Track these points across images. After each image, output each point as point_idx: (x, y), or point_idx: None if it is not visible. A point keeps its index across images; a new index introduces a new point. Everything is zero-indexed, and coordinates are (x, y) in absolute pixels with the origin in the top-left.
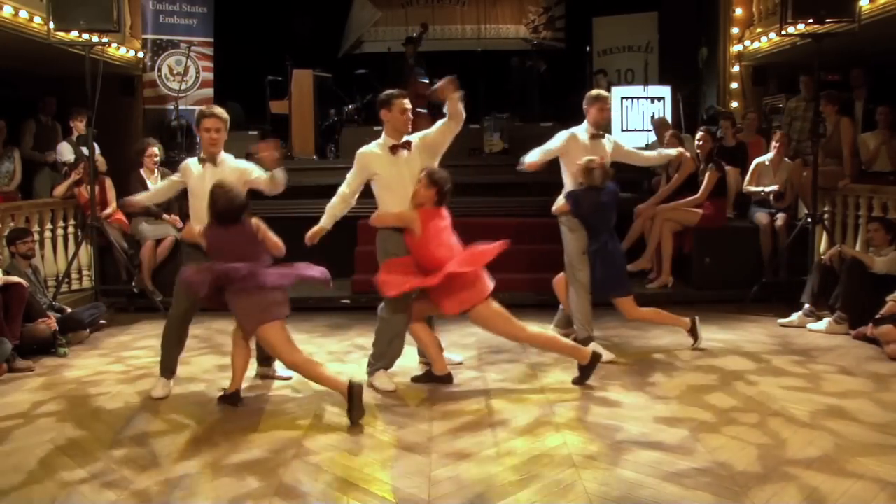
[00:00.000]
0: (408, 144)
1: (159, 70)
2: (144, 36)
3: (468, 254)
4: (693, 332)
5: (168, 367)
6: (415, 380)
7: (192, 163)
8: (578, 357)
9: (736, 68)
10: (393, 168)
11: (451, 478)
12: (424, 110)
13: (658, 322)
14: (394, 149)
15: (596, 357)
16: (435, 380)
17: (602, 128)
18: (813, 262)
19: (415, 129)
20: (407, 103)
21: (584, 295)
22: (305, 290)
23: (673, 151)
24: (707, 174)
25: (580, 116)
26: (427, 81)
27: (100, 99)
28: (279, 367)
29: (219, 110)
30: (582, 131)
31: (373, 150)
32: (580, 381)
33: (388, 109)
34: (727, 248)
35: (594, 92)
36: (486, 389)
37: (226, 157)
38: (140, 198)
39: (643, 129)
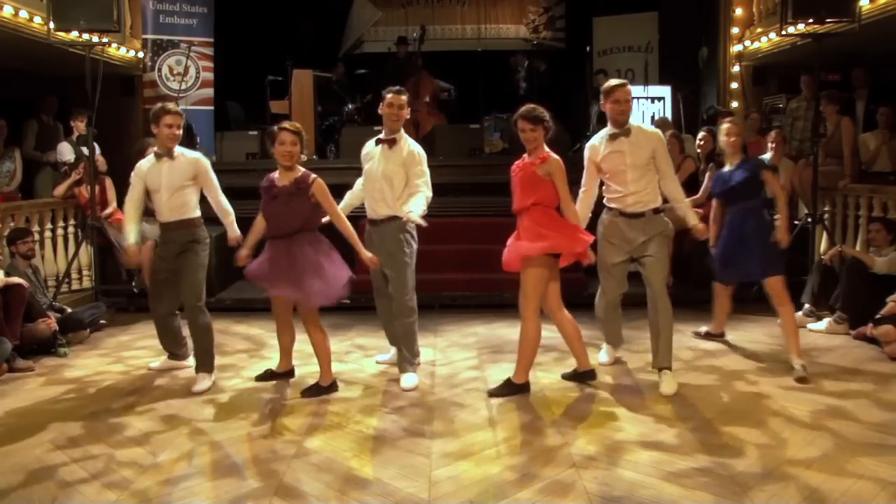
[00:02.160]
0: (391, 142)
1: (159, 70)
2: (144, 36)
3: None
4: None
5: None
6: (564, 377)
7: (143, 163)
8: (582, 362)
9: (736, 68)
10: (372, 161)
11: (451, 478)
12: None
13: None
14: (378, 141)
15: (591, 373)
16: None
17: (622, 125)
18: (813, 262)
19: (425, 127)
20: (394, 99)
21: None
22: None
23: (693, 221)
24: (707, 174)
25: (580, 116)
26: (443, 84)
27: (100, 99)
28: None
29: (177, 107)
30: (599, 137)
31: (371, 140)
32: (569, 377)
33: (382, 103)
34: None
35: (606, 85)
36: (486, 389)
37: (181, 151)
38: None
39: None
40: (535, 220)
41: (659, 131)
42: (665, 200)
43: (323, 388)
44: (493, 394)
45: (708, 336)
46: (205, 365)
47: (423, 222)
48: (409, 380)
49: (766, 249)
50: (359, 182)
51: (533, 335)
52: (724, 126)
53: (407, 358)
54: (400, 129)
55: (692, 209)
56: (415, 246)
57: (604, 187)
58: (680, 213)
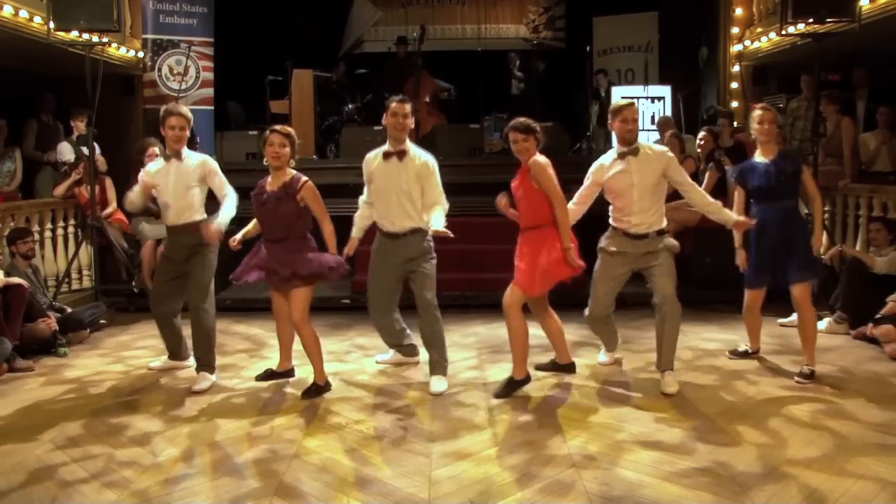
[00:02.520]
0: (400, 154)
1: (159, 70)
2: (144, 36)
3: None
4: (554, 366)
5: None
6: (539, 367)
7: (152, 165)
8: (563, 356)
9: (736, 68)
10: (383, 177)
11: (451, 478)
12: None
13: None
14: (386, 155)
15: (571, 366)
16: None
17: (630, 143)
18: None
19: (425, 127)
20: (398, 108)
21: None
22: None
23: (734, 217)
24: (707, 174)
25: (580, 116)
26: (443, 84)
27: (100, 99)
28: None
29: (183, 109)
30: (607, 156)
31: (372, 153)
32: (541, 368)
33: (385, 113)
34: (727, 248)
35: (615, 104)
36: (486, 389)
37: (189, 153)
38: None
39: (644, 129)
40: (540, 239)
41: (668, 149)
42: (675, 194)
43: (321, 387)
44: (498, 395)
45: (749, 355)
46: (205, 365)
47: (449, 232)
48: (438, 384)
49: (809, 253)
50: (363, 200)
51: (519, 329)
52: (756, 112)
53: (437, 360)
54: (405, 139)
55: (724, 208)
56: (434, 254)
57: (609, 206)
58: (715, 218)
